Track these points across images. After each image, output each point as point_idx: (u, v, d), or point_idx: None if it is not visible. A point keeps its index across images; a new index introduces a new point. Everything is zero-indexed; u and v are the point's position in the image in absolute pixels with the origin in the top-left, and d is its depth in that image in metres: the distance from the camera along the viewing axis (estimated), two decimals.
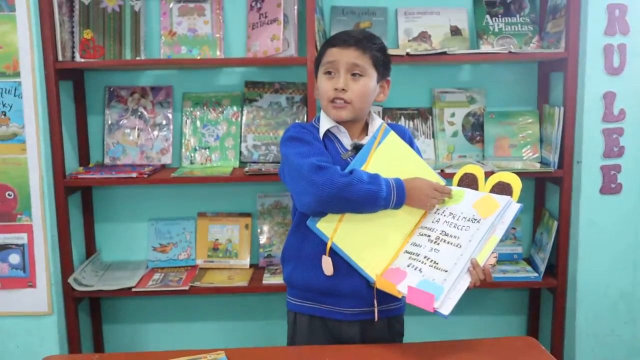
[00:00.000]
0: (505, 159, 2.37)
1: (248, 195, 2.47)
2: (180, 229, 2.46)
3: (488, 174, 1.50)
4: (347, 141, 1.51)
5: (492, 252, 1.33)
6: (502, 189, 1.39)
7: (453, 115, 2.42)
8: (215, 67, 2.41)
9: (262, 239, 2.45)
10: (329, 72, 1.46)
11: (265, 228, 2.45)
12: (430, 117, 2.42)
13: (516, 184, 1.39)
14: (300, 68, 2.37)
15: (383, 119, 2.37)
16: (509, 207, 1.37)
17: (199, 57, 2.29)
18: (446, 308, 1.28)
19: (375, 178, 1.36)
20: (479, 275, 1.32)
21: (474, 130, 2.42)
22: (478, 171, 1.46)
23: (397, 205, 1.38)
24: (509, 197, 1.37)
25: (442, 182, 1.48)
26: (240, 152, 2.38)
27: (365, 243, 1.39)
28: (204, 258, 2.43)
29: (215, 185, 2.46)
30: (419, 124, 2.41)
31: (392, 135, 1.46)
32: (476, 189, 1.44)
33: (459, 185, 1.48)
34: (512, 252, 2.46)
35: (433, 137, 2.41)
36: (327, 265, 1.44)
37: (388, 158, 1.43)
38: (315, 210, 1.36)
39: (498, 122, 2.40)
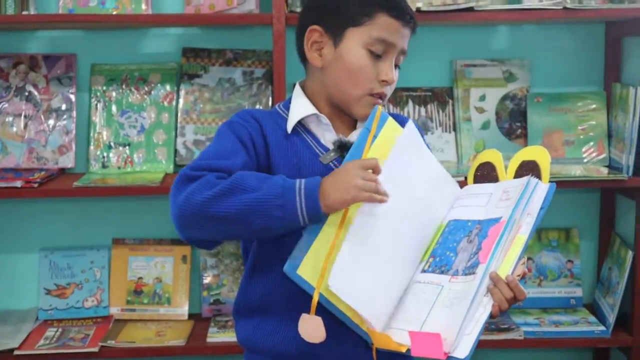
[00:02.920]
0: (557, 161, 2.37)
1: None
2: (86, 262, 2.45)
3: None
4: (330, 137, 1.49)
5: (520, 259, 1.32)
6: (529, 170, 1.40)
7: (483, 98, 2.45)
8: (140, 28, 2.41)
9: (207, 278, 2.45)
10: (375, 53, 1.46)
11: (212, 261, 2.45)
12: (450, 102, 2.45)
13: (542, 158, 1.39)
14: (263, 29, 2.36)
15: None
16: (535, 191, 1.35)
17: (114, 13, 2.27)
18: (463, 349, 1.26)
19: (264, 179, 1.34)
20: (504, 293, 1.30)
21: (514, 120, 2.45)
22: (495, 157, 1.47)
23: (311, 212, 1.32)
24: (529, 177, 1.37)
25: (457, 191, 1.50)
26: (176, 151, 2.39)
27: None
28: (121, 305, 2.43)
29: (138, 199, 2.45)
30: (433, 110, 2.44)
31: (391, 123, 1.44)
32: (496, 179, 1.45)
33: (475, 182, 1.50)
34: (568, 296, 2.46)
35: (454, 129, 2.44)
36: (313, 328, 1.36)
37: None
38: (185, 238, 1.37)
39: (548, 109, 2.42)
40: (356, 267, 1.37)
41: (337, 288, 1.34)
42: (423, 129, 2.37)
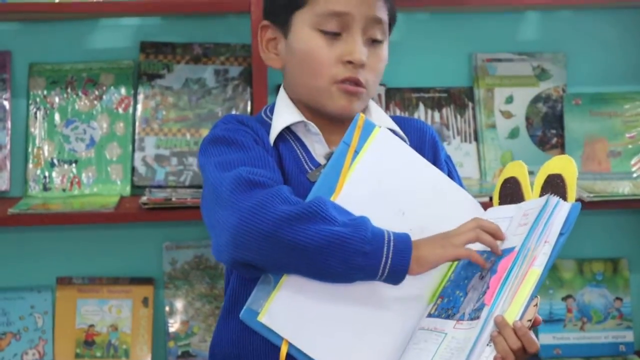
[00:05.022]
0: (601, 175, 2.35)
1: (148, 247, 2.42)
2: (25, 307, 2.38)
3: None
4: (320, 150, 1.49)
5: (532, 299, 1.27)
6: (554, 186, 1.38)
7: (510, 100, 2.42)
8: (88, 18, 2.36)
9: (174, 325, 2.39)
10: (329, 32, 1.45)
11: (179, 305, 2.40)
12: (470, 105, 2.42)
13: (568, 170, 1.37)
14: (240, 18, 2.33)
15: (386, 108, 2.33)
16: (554, 213, 1.31)
17: (57, 1, 2.24)
18: None
19: (355, 218, 1.34)
20: (509, 342, 1.24)
21: (547, 126, 2.42)
22: (519, 170, 1.47)
23: (395, 275, 1.32)
24: (548, 195, 1.34)
25: (480, 213, 1.46)
26: (134, 170, 2.35)
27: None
28: (69, 359, 2.35)
29: (88, 228, 2.39)
30: (450, 115, 2.42)
31: (380, 135, 1.42)
32: (521, 199, 1.43)
33: (500, 202, 1.48)
34: (615, 341, 2.40)
35: (475, 139, 2.42)
36: None
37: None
38: (233, 259, 1.33)
39: (589, 113, 2.39)
40: (304, 301, 1.36)
41: (272, 323, 1.35)
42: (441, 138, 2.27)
